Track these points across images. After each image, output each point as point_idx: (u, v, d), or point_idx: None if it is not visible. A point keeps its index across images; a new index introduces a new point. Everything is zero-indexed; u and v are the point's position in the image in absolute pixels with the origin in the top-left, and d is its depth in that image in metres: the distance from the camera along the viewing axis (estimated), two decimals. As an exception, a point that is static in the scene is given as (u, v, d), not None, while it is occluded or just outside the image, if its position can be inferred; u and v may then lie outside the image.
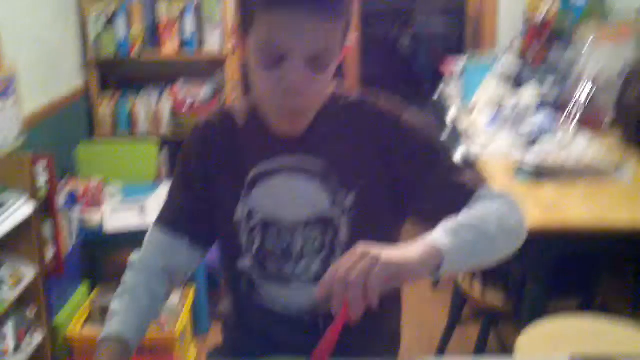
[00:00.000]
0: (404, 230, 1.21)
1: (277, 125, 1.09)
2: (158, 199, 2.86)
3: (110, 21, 3.58)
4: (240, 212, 1.14)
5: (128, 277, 1.17)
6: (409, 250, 0.93)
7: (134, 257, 1.20)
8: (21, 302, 2.22)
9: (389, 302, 1.16)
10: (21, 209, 2.19)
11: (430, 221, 1.03)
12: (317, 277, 1.10)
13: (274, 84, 1.01)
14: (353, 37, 1.13)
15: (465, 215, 1.02)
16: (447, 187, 1.09)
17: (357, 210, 1.11)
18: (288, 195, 1.12)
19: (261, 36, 0.99)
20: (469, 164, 2.21)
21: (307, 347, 1.00)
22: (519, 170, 2.15)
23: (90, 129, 3.64)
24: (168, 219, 1.19)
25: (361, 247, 0.90)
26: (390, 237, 1.15)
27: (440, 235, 0.96)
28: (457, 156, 2.14)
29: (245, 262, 1.17)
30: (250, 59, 1.03)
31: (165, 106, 3.64)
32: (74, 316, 2.47)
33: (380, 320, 1.18)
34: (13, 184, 2.23)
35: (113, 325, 1.09)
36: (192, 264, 1.21)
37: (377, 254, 0.88)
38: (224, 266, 1.24)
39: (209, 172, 1.17)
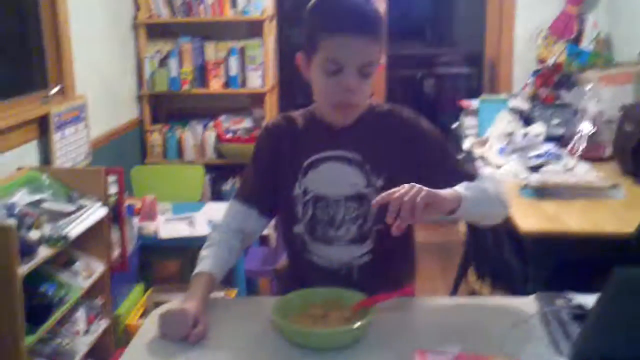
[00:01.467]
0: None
1: (334, 118, 1.47)
2: (204, 214, 3.22)
3: (163, 60, 4.01)
4: (297, 189, 1.51)
5: (213, 235, 1.53)
6: (442, 191, 1.31)
7: (216, 222, 1.57)
8: (91, 292, 2.57)
9: (402, 267, 1.57)
10: (95, 213, 2.55)
11: None
12: (354, 240, 1.49)
13: (335, 86, 1.39)
14: (383, 58, 1.51)
15: (473, 184, 1.41)
16: (454, 174, 1.46)
17: (386, 188, 1.42)
18: (334, 177, 1.49)
19: (326, 54, 1.38)
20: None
21: None
22: (525, 189, 2.47)
23: (143, 154, 4.04)
24: (243, 194, 1.57)
25: (410, 184, 1.26)
26: None
27: (460, 188, 1.36)
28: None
29: (300, 228, 1.53)
30: (314, 73, 1.43)
31: (210, 136, 4.03)
32: (132, 309, 2.82)
33: (396, 282, 1.52)
34: (88, 193, 2.61)
35: (202, 265, 1.45)
36: (260, 228, 1.58)
37: (421, 187, 1.25)
38: (283, 231, 1.61)
39: (275, 160, 1.54)
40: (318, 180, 1.49)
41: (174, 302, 1.53)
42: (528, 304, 1.41)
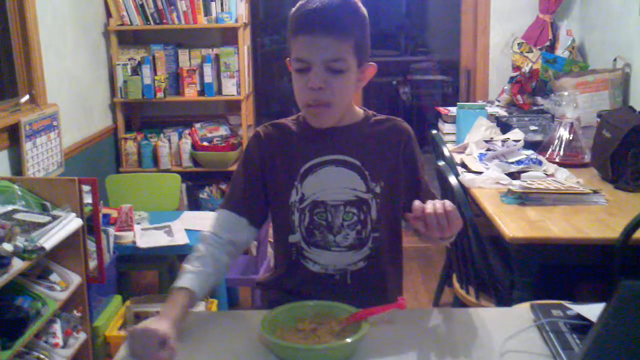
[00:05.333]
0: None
1: (309, 119, 1.46)
2: (182, 223, 3.16)
3: (136, 68, 3.95)
4: (294, 196, 1.48)
5: (199, 247, 1.47)
6: None
7: (204, 232, 1.50)
8: (68, 305, 2.49)
9: (393, 273, 1.56)
10: (70, 224, 2.48)
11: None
12: (352, 246, 1.47)
13: (305, 84, 1.40)
14: (372, 63, 1.50)
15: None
16: (427, 194, 1.49)
17: (382, 195, 1.47)
18: (334, 182, 1.47)
19: (296, 53, 1.40)
20: (464, 189, 2.52)
21: (334, 300, 1.38)
22: (506, 195, 2.46)
23: (118, 163, 3.96)
24: (232, 202, 1.51)
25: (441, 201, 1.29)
26: (400, 216, 1.52)
27: None
28: (454, 182, 2.45)
29: (296, 236, 1.49)
30: (292, 70, 1.44)
31: (186, 144, 3.97)
32: (111, 321, 2.75)
33: (385, 289, 1.54)
34: (63, 203, 2.53)
35: (183, 280, 1.38)
36: (249, 238, 1.53)
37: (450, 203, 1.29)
38: (277, 239, 1.56)
39: (267, 167, 1.51)
40: (316, 185, 1.47)
41: (150, 320, 1.48)
42: (522, 314, 1.39)
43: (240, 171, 1.55)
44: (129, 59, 3.99)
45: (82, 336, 2.55)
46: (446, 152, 2.82)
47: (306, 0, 1.41)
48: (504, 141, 2.99)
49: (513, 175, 2.70)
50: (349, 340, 1.24)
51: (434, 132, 2.93)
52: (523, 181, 2.57)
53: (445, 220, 1.26)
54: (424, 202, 1.31)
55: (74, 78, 3.49)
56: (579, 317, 1.28)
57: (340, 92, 1.42)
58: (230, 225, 1.49)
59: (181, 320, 1.32)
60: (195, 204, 4.01)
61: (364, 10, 1.45)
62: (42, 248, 2.23)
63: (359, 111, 1.54)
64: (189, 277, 1.39)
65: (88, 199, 2.69)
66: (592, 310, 1.22)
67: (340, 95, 1.42)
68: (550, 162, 2.91)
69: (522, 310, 1.41)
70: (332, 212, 1.47)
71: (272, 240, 1.69)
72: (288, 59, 1.47)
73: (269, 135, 1.53)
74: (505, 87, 3.83)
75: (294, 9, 1.43)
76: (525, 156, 2.86)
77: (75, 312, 2.54)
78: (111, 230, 2.91)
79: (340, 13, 1.39)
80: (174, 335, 1.25)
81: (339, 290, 1.47)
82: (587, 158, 2.97)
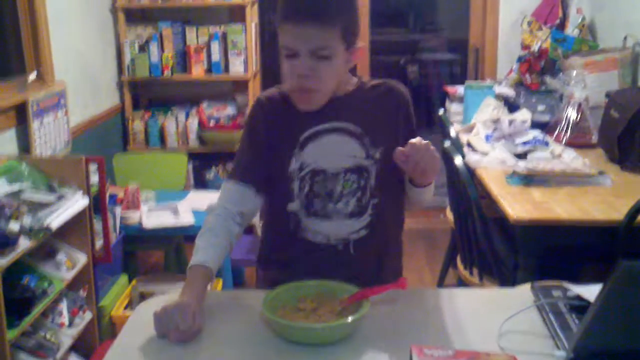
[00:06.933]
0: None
1: (296, 103, 1.46)
2: (188, 203, 3.18)
3: (144, 46, 3.94)
4: (294, 164, 1.48)
5: (209, 219, 1.48)
6: None
7: (212, 204, 1.51)
8: (74, 284, 2.52)
9: (394, 243, 1.59)
10: (77, 203, 2.49)
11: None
12: (352, 213, 1.48)
13: (292, 71, 1.41)
14: (363, 43, 1.50)
15: None
16: None
17: (382, 161, 1.48)
18: (334, 150, 1.47)
19: (283, 40, 1.41)
20: (469, 170, 2.51)
21: (337, 272, 1.40)
22: (512, 176, 2.45)
23: (125, 141, 3.98)
24: (239, 173, 1.51)
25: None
26: (401, 181, 1.54)
27: None
28: (459, 162, 2.44)
29: (295, 205, 1.49)
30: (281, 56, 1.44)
31: (193, 123, 3.97)
32: (117, 301, 2.77)
33: (386, 263, 1.56)
34: (69, 182, 2.55)
35: (198, 257, 1.40)
36: (257, 207, 1.54)
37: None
38: (272, 212, 1.56)
39: (270, 133, 1.50)
40: (316, 153, 1.47)
41: (160, 297, 1.50)
42: (523, 294, 1.39)
43: (245, 139, 1.55)
44: (137, 37, 3.98)
45: (88, 316, 2.57)
46: (452, 133, 2.81)
47: None
48: (511, 121, 2.97)
49: (519, 156, 2.69)
50: (349, 319, 1.25)
51: (441, 112, 2.92)
52: (529, 162, 2.56)
53: (422, 154, 1.32)
54: None
55: (81, 56, 3.49)
56: (579, 297, 1.28)
57: (326, 78, 1.42)
58: (238, 196, 1.50)
59: (203, 296, 1.35)
60: (201, 184, 4.02)
61: None
62: (49, 227, 2.25)
63: (353, 79, 1.53)
64: (203, 253, 1.41)
65: (95, 178, 2.70)
66: (592, 291, 1.22)
67: (326, 81, 1.43)
68: (557, 142, 2.90)
69: (523, 291, 1.42)
70: (332, 179, 1.47)
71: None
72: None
73: (272, 101, 1.53)
74: (514, 67, 3.79)
75: None
76: (533, 137, 2.84)
77: (81, 291, 2.57)
78: (118, 210, 2.93)
79: (327, 1, 1.39)
80: (201, 312, 1.30)
81: (344, 260, 1.47)
82: (595, 139, 2.96)
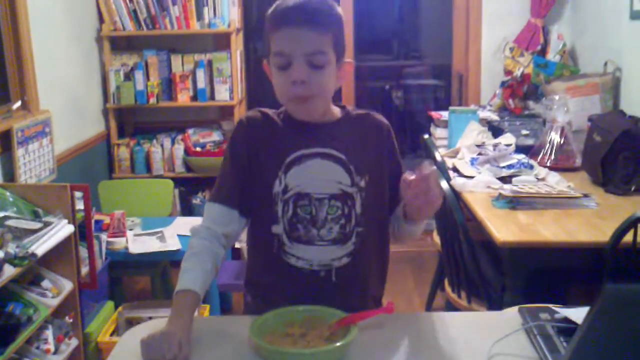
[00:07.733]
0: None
1: (295, 113, 1.46)
2: (175, 229, 3.16)
3: (129, 74, 3.95)
4: (277, 186, 1.47)
5: (194, 242, 1.47)
6: None
7: (196, 227, 1.50)
8: (60, 311, 2.49)
9: (377, 271, 1.57)
10: (62, 230, 2.48)
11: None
12: (335, 240, 1.46)
13: (287, 79, 1.41)
14: (349, 60, 1.51)
15: None
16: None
17: (367, 189, 1.47)
18: (320, 174, 1.46)
19: (275, 49, 1.41)
20: (455, 193, 2.53)
21: (319, 299, 1.40)
22: (498, 199, 2.47)
23: (111, 168, 3.96)
24: (222, 194, 1.50)
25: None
26: (385, 210, 1.54)
27: None
28: (445, 186, 2.46)
29: (279, 228, 1.48)
30: (272, 72, 1.44)
31: (179, 150, 3.97)
32: (103, 327, 2.75)
33: (367, 291, 1.54)
34: (55, 210, 2.53)
35: (184, 282, 1.38)
36: (240, 229, 1.53)
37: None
38: (257, 234, 1.54)
39: (253, 153, 1.49)
40: (301, 176, 1.46)
41: (148, 323, 1.49)
42: (511, 318, 1.39)
43: (227, 162, 1.53)
44: (122, 65, 3.99)
45: (73, 342, 2.54)
46: (438, 157, 2.83)
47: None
48: (495, 145, 3.00)
49: (504, 180, 2.72)
50: (338, 344, 1.25)
51: (426, 136, 2.94)
52: (514, 185, 2.58)
53: (433, 184, 1.30)
54: None
55: (66, 84, 3.49)
56: (566, 320, 1.29)
57: (321, 86, 1.43)
58: (221, 219, 1.49)
59: (190, 323, 1.34)
60: (188, 210, 4.01)
61: (340, 10, 1.47)
62: (34, 254, 2.23)
63: (337, 109, 1.54)
64: (189, 277, 1.40)
65: (80, 205, 2.69)
66: (579, 314, 1.23)
67: (322, 89, 1.43)
68: (541, 166, 2.93)
69: (511, 314, 1.42)
70: (317, 205, 1.46)
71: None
72: (265, 60, 1.48)
73: (254, 122, 1.52)
74: (497, 92, 3.84)
75: (271, 9, 1.45)
76: (517, 160, 2.87)
77: (67, 318, 2.54)
78: (103, 236, 2.91)
79: (319, 8, 1.42)
80: (188, 340, 1.29)
81: (326, 286, 1.46)
82: (578, 162, 2.99)
